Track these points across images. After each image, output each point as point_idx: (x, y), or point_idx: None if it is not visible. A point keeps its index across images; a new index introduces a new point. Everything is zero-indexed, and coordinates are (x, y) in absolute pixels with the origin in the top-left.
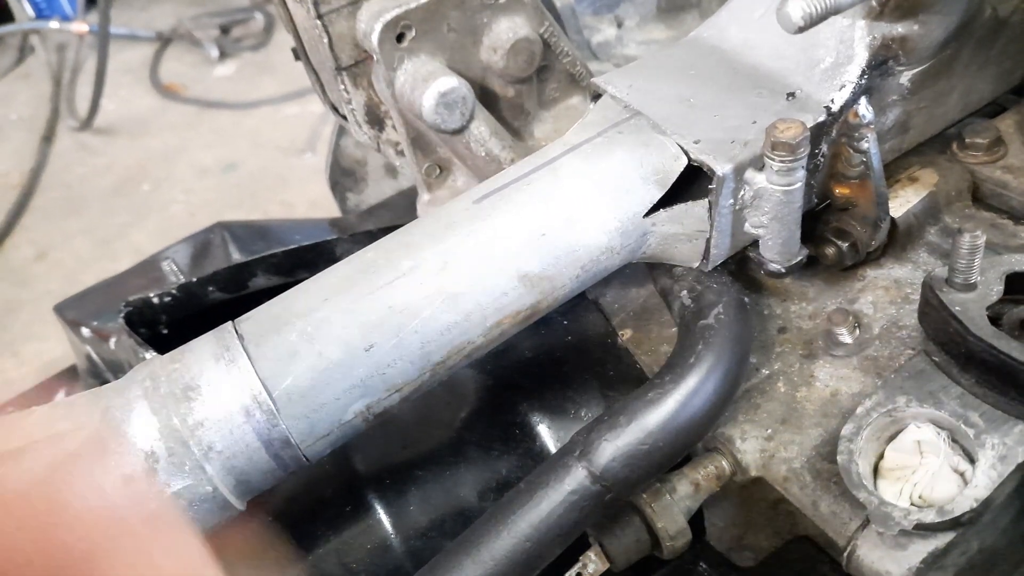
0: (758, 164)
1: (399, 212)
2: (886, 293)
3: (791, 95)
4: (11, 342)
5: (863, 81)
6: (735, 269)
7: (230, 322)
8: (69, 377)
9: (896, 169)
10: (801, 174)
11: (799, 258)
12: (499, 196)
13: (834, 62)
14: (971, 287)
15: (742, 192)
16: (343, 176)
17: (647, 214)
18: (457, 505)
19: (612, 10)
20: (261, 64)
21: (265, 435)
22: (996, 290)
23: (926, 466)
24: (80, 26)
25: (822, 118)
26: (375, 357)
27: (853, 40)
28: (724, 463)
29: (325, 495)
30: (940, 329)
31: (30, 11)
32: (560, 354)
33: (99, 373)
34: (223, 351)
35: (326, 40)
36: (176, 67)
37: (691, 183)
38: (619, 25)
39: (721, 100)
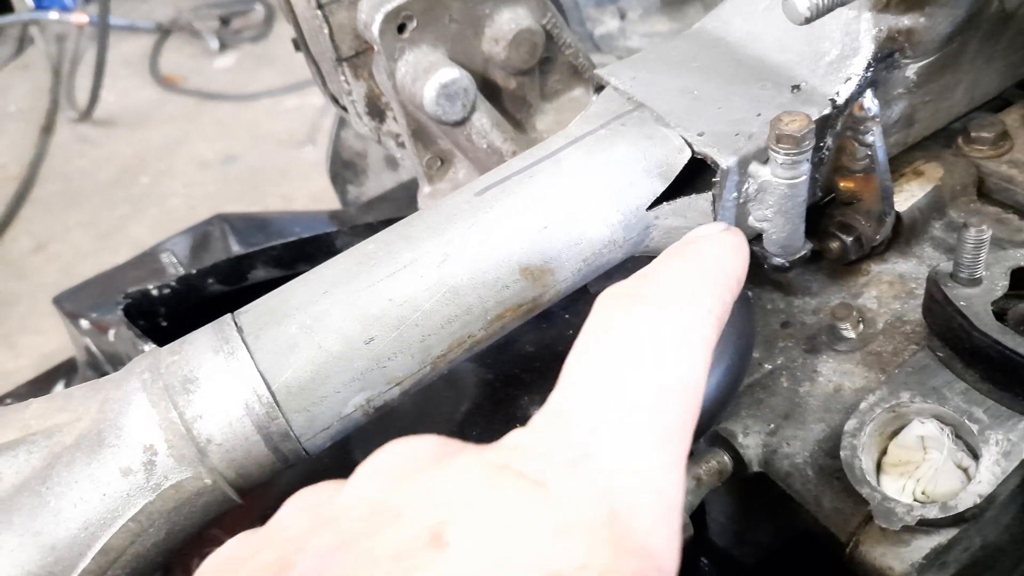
0: (762, 157)
1: (400, 205)
2: (890, 288)
3: (796, 88)
4: (8, 334)
5: (868, 74)
6: None
7: (229, 314)
8: (67, 370)
9: (901, 163)
10: (806, 167)
11: (803, 252)
12: (501, 188)
13: (839, 55)
14: (976, 282)
15: (746, 185)
16: (343, 168)
17: (650, 207)
18: None
19: (615, 2)
20: (261, 56)
21: (264, 428)
22: (1001, 285)
23: (929, 462)
24: (80, 17)
25: (827, 111)
26: (375, 350)
27: (859, 32)
28: (726, 458)
29: None
30: (944, 324)
31: (29, 2)
32: (562, 348)
33: (98, 365)
34: (222, 343)
35: (326, 30)
36: (176, 58)
37: (695, 176)
38: (622, 17)
39: (725, 92)
